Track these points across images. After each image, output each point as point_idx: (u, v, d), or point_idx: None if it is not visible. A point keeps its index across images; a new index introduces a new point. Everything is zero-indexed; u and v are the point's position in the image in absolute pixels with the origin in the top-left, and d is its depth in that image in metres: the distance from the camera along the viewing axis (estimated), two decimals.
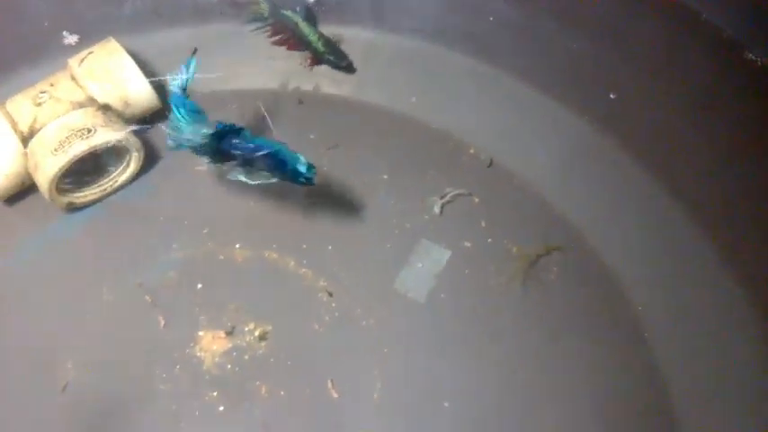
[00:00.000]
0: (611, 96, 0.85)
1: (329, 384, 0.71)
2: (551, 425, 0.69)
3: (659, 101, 0.83)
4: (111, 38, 0.82)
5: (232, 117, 0.85)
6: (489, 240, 0.78)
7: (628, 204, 0.80)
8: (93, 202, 0.80)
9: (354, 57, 0.89)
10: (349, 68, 0.88)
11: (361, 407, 0.70)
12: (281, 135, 0.83)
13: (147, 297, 0.74)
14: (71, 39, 0.88)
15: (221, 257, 0.78)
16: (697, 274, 0.76)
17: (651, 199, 0.80)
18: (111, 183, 0.80)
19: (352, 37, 0.90)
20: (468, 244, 0.78)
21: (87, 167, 0.78)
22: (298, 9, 0.90)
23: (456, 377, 0.72)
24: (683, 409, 0.70)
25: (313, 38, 0.88)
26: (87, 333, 0.74)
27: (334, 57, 0.88)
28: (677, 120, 0.82)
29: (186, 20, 0.90)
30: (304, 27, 0.88)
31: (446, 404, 0.70)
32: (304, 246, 0.78)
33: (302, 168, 0.69)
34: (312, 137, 0.85)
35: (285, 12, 0.89)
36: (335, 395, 0.71)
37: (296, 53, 0.89)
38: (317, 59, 0.88)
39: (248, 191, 0.81)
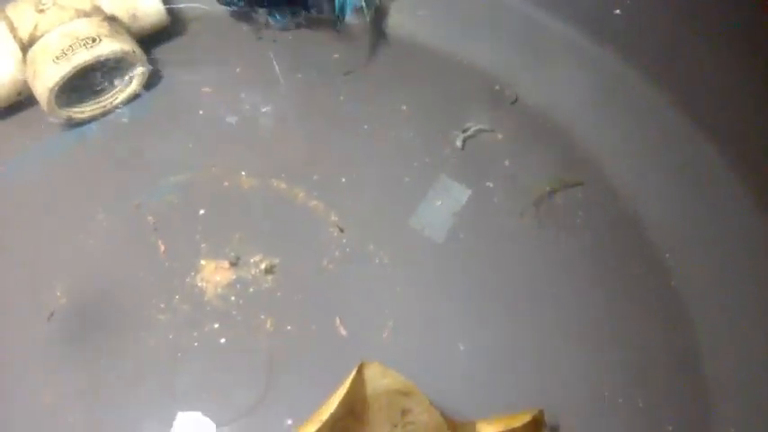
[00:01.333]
0: (645, 33, 0.80)
1: (337, 321, 0.67)
2: (569, 369, 0.65)
3: (696, 37, 0.78)
4: None
5: (242, 39, 0.81)
6: (512, 180, 0.74)
7: (659, 145, 0.76)
8: (92, 119, 0.75)
9: None
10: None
11: (370, 346, 0.66)
12: (293, 60, 0.80)
13: (150, 218, 0.70)
14: None
15: (225, 184, 0.73)
16: (731, 220, 0.72)
17: (685, 141, 0.75)
18: (111, 99, 0.75)
19: None
20: (489, 183, 0.74)
21: (88, 82, 0.74)
22: None
23: (471, 319, 0.67)
24: (712, 363, 0.66)
25: None
26: (80, 257, 0.69)
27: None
28: (714, 56, 0.77)
29: None
30: None
31: (460, 346, 0.66)
32: (315, 177, 0.74)
33: None
34: (327, 61, 0.80)
35: None
36: (344, 332, 0.66)
37: None
38: None
39: (254, 118, 0.76)
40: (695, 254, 0.71)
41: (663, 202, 0.73)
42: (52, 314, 0.66)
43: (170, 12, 0.79)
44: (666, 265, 0.70)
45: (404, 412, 0.55)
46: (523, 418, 0.56)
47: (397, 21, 0.82)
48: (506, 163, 0.75)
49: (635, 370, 0.65)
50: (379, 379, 0.54)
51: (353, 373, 0.53)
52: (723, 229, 0.72)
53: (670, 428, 0.63)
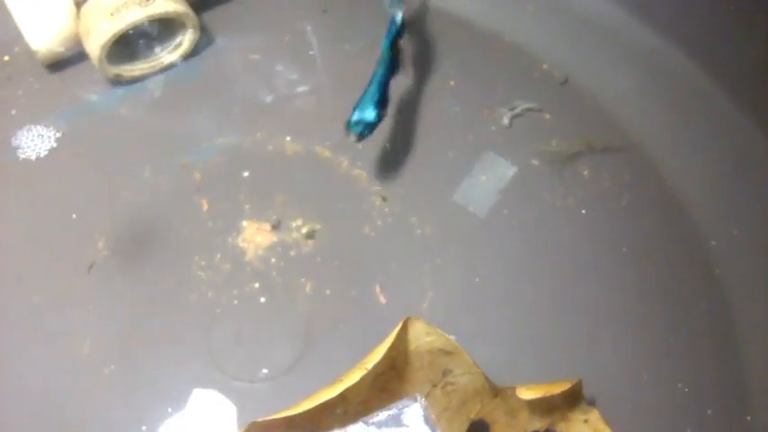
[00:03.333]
0: (698, 22, 0.79)
1: (377, 289, 0.66)
2: (609, 347, 0.64)
3: (740, 19, 0.77)
4: None
5: (295, 4, 0.82)
6: (558, 160, 0.73)
7: (708, 133, 0.75)
8: (141, 78, 0.76)
9: None
10: None
11: (408, 314, 0.65)
12: (345, 30, 0.80)
13: (195, 177, 0.70)
14: None
15: (270, 148, 0.73)
16: None
17: (735, 130, 0.74)
18: (161, 59, 0.76)
19: None
20: (535, 161, 0.73)
21: (139, 40, 0.74)
22: None
23: (511, 294, 0.67)
24: (752, 352, 0.65)
25: None
26: (124, 211, 0.69)
27: None
28: (762, 39, 0.76)
29: None
30: None
31: (501, 319, 0.65)
32: (359, 146, 0.73)
33: None
34: (375, 33, 0.79)
35: None
36: (383, 300, 0.66)
37: None
38: None
39: (303, 85, 0.76)
40: (741, 243, 0.70)
41: (710, 190, 0.72)
42: (92, 265, 0.66)
43: None
44: (711, 252, 0.69)
45: (445, 372, 0.55)
46: (562, 386, 0.55)
47: None
48: (553, 143, 0.74)
49: (676, 354, 0.64)
50: (424, 336, 0.54)
51: (398, 327, 0.53)
52: None
53: (709, 412, 0.62)
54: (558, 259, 0.69)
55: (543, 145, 0.74)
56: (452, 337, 0.55)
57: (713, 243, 0.70)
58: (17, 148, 0.72)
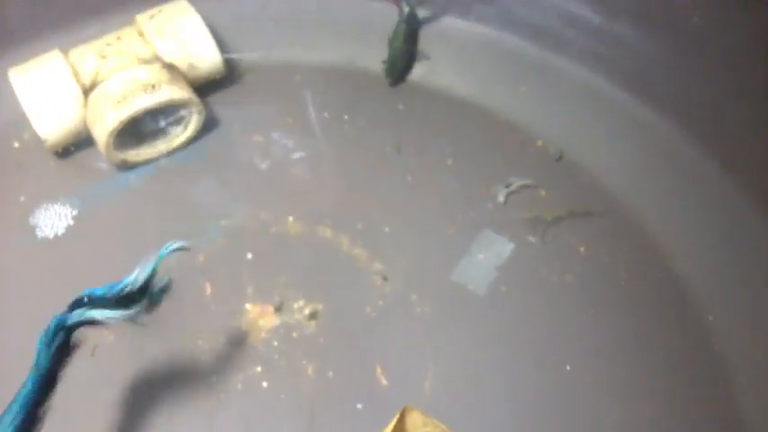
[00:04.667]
0: (692, 95, 0.81)
1: (378, 370, 0.67)
2: (612, 424, 0.65)
3: (736, 99, 0.79)
4: None
5: (295, 90, 0.84)
6: (555, 236, 0.75)
7: (704, 208, 0.76)
8: (147, 162, 0.78)
9: (428, 40, 0.86)
10: (390, 82, 0.85)
11: (410, 396, 0.66)
12: (344, 110, 0.82)
13: (199, 260, 0.71)
14: None
15: (273, 229, 0.75)
16: None
17: (729, 206, 0.76)
18: (167, 144, 0.78)
19: (429, 20, 0.87)
20: (532, 238, 0.74)
21: (145, 126, 0.76)
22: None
23: (512, 372, 0.67)
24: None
25: (396, 40, 0.83)
26: None
27: (388, 64, 0.84)
28: (756, 118, 0.78)
29: None
30: (399, 26, 0.84)
31: (501, 399, 0.66)
32: (359, 226, 0.75)
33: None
34: (374, 113, 0.82)
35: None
36: (385, 382, 0.67)
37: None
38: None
39: (304, 164, 0.78)
40: (738, 317, 0.71)
41: (706, 265, 0.73)
42: (95, 349, 0.67)
43: (226, 61, 0.81)
44: (710, 327, 0.70)
45: None
46: None
47: (444, 78, 0.85)
48: (549, 219, 0.76)
49: (676, 429, 0.65)
50: (421, 427, 0.55)
51: (396, 419, 0.54)
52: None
53: None
54: (557, 336, 0.70)
55: (539, 221, 0.75)
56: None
57: (710, 318, 0.70)
58: (25, 230, 0.74)
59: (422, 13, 0.86)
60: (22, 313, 0.69)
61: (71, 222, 0.75)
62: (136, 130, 0.76)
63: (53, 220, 0.74)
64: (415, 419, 0.55)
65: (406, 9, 0.83)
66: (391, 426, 0.54)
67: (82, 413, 0.64)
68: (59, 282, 0.71)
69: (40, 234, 0.74)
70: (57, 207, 0.75)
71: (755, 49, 0.77)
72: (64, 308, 0.68)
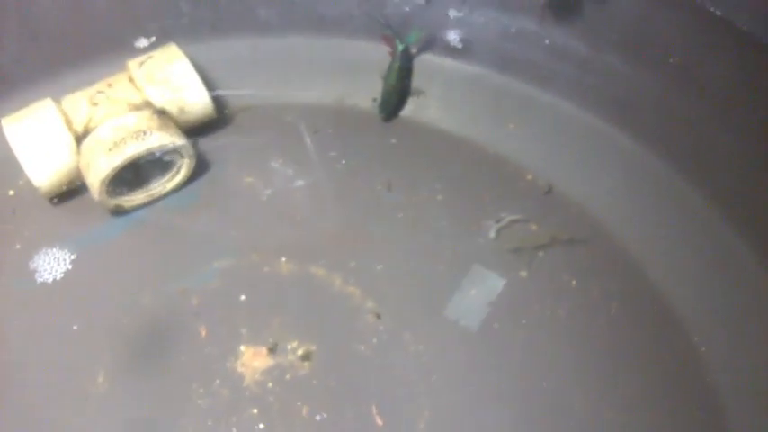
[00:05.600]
0: (679, 129, 0.82)
1: (373, 410, 0.68)
2: None
3: (726, 133, 0.80)
4: (172, 43, 0.81)
5: (287, 129, 0.84)
6: (547, 272, 0.75)
7: (694, 241, 0.77)
8: (140, 207, 0.78)
9: (419, 76, 0.87)
10: (383, 117, 0.86)
11: None
12: (335, 148, 0.83)
13: (193, 303, 0.72)
14: (142, 42, 0.87)
15: (266, 270, 0.75)
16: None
17: (719, 238, 0.76)
18: (159, 188, 0.79)
19: (420, 57, 0.89)
20: (524, 273, 0.75)
21: (137, 172, 0.77)
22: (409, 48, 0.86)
23: (507, 409, 0.68)
24: None
25: (390, 77, 0.85)
26: (123, 340, 0.71)
27: (381, 100, 0.85)
28: (743, 152, 0.79)
29: (248, 32, 0.89)
30: (393, 64, 0.85)
31: None
32: (352, 264, 0.76)
33: None
34: (367, 153, 0.83)
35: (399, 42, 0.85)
36: (380, 422, 0.67)
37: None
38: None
39: (296, 203, 0.79)
40: (731, 350, 0.71)
41: (699, 297, 0.74)
42: (87, 397, 0.67)
43: (216, 101, 0.82)
44: (702, 359, 0.70)
45: None
46: None
47: (434, 114, 0.86)
48: (540, 254, 0.76)
49: None
50: None
51: None
52: (760, 328, 0.72)
53: None
54: (550, 370, 0.70)
55: (530, 255, 0.76)
56: None
57: (703, 349, 0.71)
58: (22, 278, 0.74)
59: (414, 50, 0.87)
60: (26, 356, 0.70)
61: (69, 267, 0.75)
62: (130, 176, 0.76)
63: (51, 264, 0.75)
64: None
65: (401, 47, 0.84)
66: None
67: None
68: (60, 323, 0.72)
69: (39, 279, 0.74)
70: (54, 252, 0.76)
71: (739, 82, 0.78)
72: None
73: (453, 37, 0.88)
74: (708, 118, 0.80)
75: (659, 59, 0.83)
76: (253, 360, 0.70)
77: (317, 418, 0.67)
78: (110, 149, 0.73)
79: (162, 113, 0.78)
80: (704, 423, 0.67)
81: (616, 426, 0.67)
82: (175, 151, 0.77)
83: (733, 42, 0.80)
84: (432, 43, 0.88)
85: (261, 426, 0.67)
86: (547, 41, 0.87)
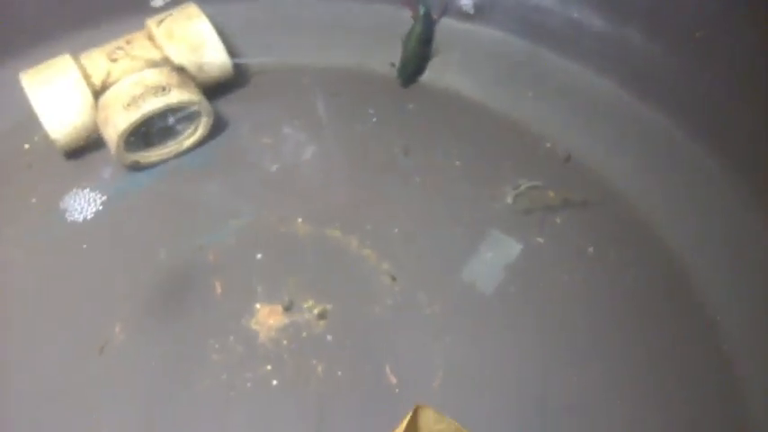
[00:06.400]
0: (698, 99, 0.81)
1: (387, 369, 0.68)
2: (622, 425, 0.65)
3: (743, 101, 0.79)
4: (191, 2, 0.81)
5: (304, 92, 0.84)
6: (564, 238, 0.75)
7: (711, 210, 0.76)
8: (157, 164, 0.78)
9: (439, 42, 0.87)
10: (401, 83, 0.86)
11: (419, 395, 0.66)
12: (352, 112, 0.83)
13: (210, 259, 0.72)
14: (157, 1, 0.87)
15: (282, 230, 0.75)
16: None
17: (736, 207, 0.76)
18: (177, 145, 0.79)
19: (441, 22, 0.88)
20: (540, 239, 0.75)
21: (155, 128, 0.77)
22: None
23: (520, 371, 0.67)
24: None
25: (410, 41, 0.85)
26: (140, 294, 0.71)
27: (400, 65, 0.85)
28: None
29: None
30: (414, 28, 0.85)
31: (510, 399, 0.66)
32: (368, 226, 0.75)
33: None
34: (383, 115, 0.82)
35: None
36: (394, 380, 0.67)
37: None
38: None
39: (313, 165, 0.79)
40: (746, 318, 0.71)
41: (717, 266, 0.73)
42: (103, 347, 0.68)
43: (234, 64, 0.82)
44: (718, 328, 0.70)
45: None
46: None
47: (453, 80, 0.85)
48: (557, 220, 0.76)
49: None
50: (434, 425, 0.55)
51: (408, 417, 0.54)
52: None
53: None
54: (565, 336, 0.70)
55: (547, 222, 0.76)
56: (465, 429, 0.55)
57: (719, 318, 0.71)
58: (38, 230, 0.74)
59: (435, 16, 0.87)
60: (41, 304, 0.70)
61: (85, 222, 0.75)
62: (146, 130, 0.76)
63: (68, 220, 0.75)
64: (428, 417, 0.55)
65: (422, 10, 0.84)
66: (404, 423, 0.54)
67: (90, 411, 0.64)
68: (77, 278, 0.72)
69: (54, 233, 0.74)
70: (70, 207, 0.76)
71: (762, 53, 0.77)
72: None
73: (466, 2, 0.88)
74: (728, 88, 0.79)
75: (682, 30, 0.83)
76: (268, 318, 0.70)
77: (332, 375, 0.67)
78: (128, 104, 0.73)
79: (181, 71, 0.77)
80: (719, 391, 0.67)
81: (629, 392, 0.67)
82: (193, 109, 0.77)
83: (756, 12, 0.79)
84: (453, 8, 0.87)
85: (275, 382, 0.66)
86: (566, 14, 0.87)
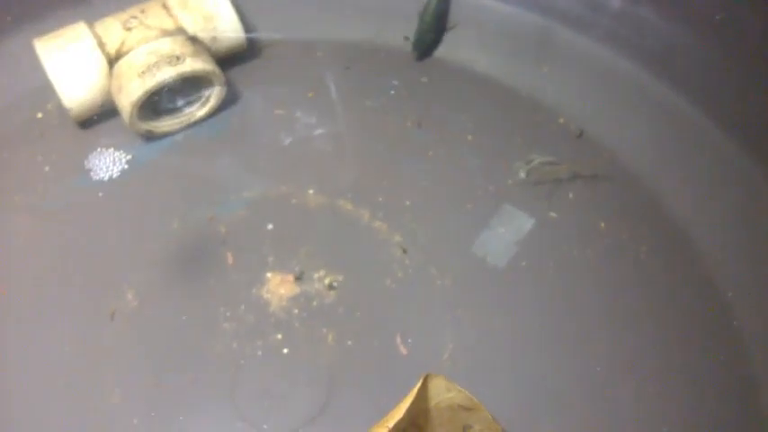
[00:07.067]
0: (713, 76, 0.81)
1: (398, 340, 0.68)
2: (630, 400, 0.65)
3: (763, 82, 0.79)
4: None
5: (317, 65, 0.84)
6: (576, 213, 0.75)
7: (723, 185, 0.76)
8: (170, 133, 0.78)
9: (454, 16, 0.86)
10: (417, 56, 0.85)
11: (429, 366, 0.65)
12: (365, 85, 0.82)
13: (221, 230, 0.72)
14: None
15: (294, 201, 0.75)
16: None
17: (749, 183, 0.76)
18: (189, 116, 0.78)
19: None
20: (553, 214, 0.75)
21: (168, 98, 0.77)
22: None
23: (530, 346, 0.68)
24: None
25: (427, 14, 0.84)
26: (152, 263, 0.71)
27: (416, 38, 0.84)
28: None
29: None
30: (431, 0, 0.84)
31: (520, 373, 0.66)
32: (380, 198, 0.75)
33: None
34: (396, 89, 0.82)
35: None
36: (404, 351, 0.67)
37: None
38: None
39: (325, 138, 0.79)
40: (757, 293, 0.71)
41: (725, 241, 0.73)
42: (114, 313, 0.68)
43: (247, 37, 0.82)
44: (728, 303, 0.70)
45: (465, 428, 0.56)
46: None
47: (467, 54, 0.85)
48: (570, 195, 0.76)
49: (696, 407, 0.65)
50: (444, 393, 0.55)
51: (419, 384, 0.54)
52: None
53: None
54: (576, 311, 0.70)
55: (560, 197, 0.75)
56: (473, 397, 0.56)
57: (730, 294, 0.70)
58: (51, 198, 0.75)
59: None
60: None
61: (97, 192, 0.75)
62: (161, 102, 0.76)
63: (79, 190, 0.75)
64: (438, 385, 0.55)
65: None
66: (414, 391, 0.54)
67: (101, 377, 0.65)
68: (88, 244, 0.72)
69: (69, 199, 0.74)
70: (83, 176, 0.76)
71: None
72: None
73: None
74: (745, 68, 0.79)
75: (697, 10, 0.82)
76: (279, 287, 0.70)
77: (342, 344, 0.67)
78: (143, 72, 0.73)
79: (195, 41, 0.77)
80: (730, 367, 0.67)
81: (640, 369, 0.67)
82: (207, 79, 0.77)
83: None
84: None
85: (285, 350, 0.67)
86: None
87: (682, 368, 0.67)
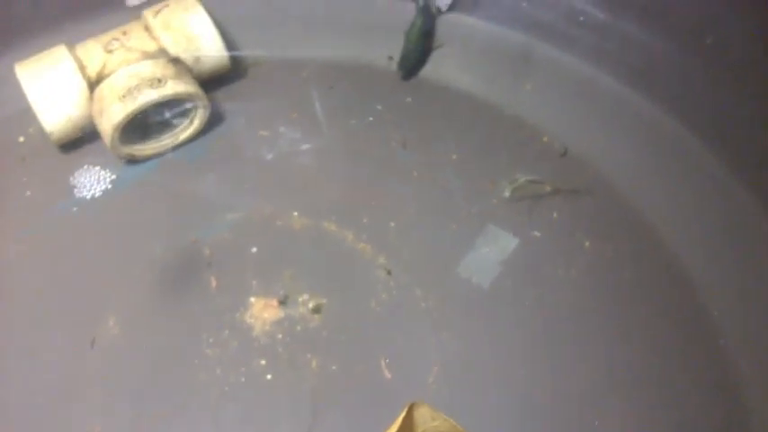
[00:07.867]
0: (697, 93, 0.81)
1: (383, 364, 0.67)
2: (617, 421, 0.65)
3: (740, 96, 0.79)
4: None
5: (301, 85, 0.84)
6: (560, 232, 0.74)
7: (708, 204, 0.76)
8: (153, 157, 0.78)
9: (437, 35, 0.86)
10: (402, 75, 0.85)
11: (414, 390, 0.66)
12: (349, 105, 0.82)
13: (205, 253, 0.72)
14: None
15: (278, 223, 0.75)
16: None
17: (734, 202, 0.76)
18: (172, 139, 0.78)
19: (440, 15, 0.87)
20: (537, 233, 0.74)
21: (150, 121, 0.76)
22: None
23: (516, 367, 0.67)
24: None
25: (412, 33, 0.84)
26: (135, 288, 0.71)
27: (402, 57, 0.84)
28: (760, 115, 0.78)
29: None
30: (416, 20, 0.84)
31: (506, 395, 0.66)
32: (364, 220, 0.75)
33: None
34: (380, 109, 0.82)
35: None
36: (389, 375, 0.67)
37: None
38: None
39: (310, 158, 0.78)
40: (742, 312, 0.70)
41: (710, 260, 0.73)
42: (94, 341, 0.67)
43: (231, 56, 0.82)
44: (714, 322, 0.70)
45: None
46: None
47: (452, 74, 0.85)
48: (554, 214, 0.75)
49: (683, 427, 0.65)
50: (429, 422, 0.55)
51: (403, 413, 0.54)
52: None
53: None
54: (562, 331, 0.69)
55: (544, 216, 0.75)
56: (458, 426, 0.55)
57: (715, 313, 0.70)
58: (33, 223, 0.74)
59: (436, 8, 0.86)
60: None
61: (77, 214, 0.75)
62: (141, 123, 0.76)
63: (62, 213, 0.75)
64: (423, 414, 0.55)
65: (421, 2, 0.83)
66: (399, 420, 0.54)
67: (82, 407, 0.64)
68: (68, 270, 0.71)
69: (50, 225, 0.74)
70: (64, 201, 0.75)
71: (761, 48, 0.77)
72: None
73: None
74: (727, 83, 0.79)
75: (679, 24, 0.82)
76: (263, 311, 0.70)
77: (326, 369, 0.67)
78: (123, 96, 0.73)
79: (177, 62, 0.77)
80: (716, 385, 0.67)
81: (625, 386, 0.67)
82: (189, 101, 0.76)
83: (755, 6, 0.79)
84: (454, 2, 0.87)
85: (269, 376, 0.66)
86: (566, 8, 0.86)
87: (668, 385, 0.67)
